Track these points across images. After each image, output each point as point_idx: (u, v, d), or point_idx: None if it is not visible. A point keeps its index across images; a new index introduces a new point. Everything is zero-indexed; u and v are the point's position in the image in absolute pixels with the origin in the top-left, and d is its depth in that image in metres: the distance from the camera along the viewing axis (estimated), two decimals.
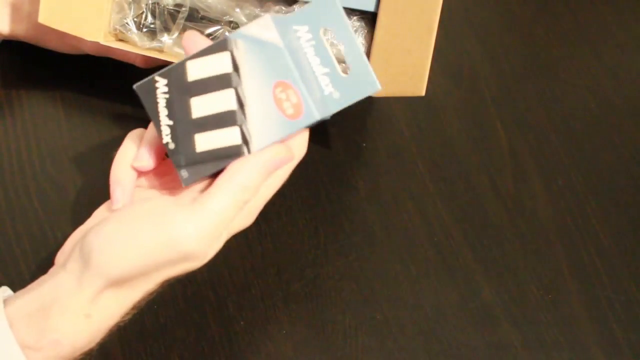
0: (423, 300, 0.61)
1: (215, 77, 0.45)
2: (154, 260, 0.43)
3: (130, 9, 0.59)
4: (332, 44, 0.59)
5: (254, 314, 0.60)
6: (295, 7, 0.59)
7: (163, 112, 0.46)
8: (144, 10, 0.60)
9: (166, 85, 0.46)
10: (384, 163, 0.65)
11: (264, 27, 0.45)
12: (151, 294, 0.46)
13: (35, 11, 0.57)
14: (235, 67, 0.45)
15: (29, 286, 0.45)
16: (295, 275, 0.61)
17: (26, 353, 0.42)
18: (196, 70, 0.45)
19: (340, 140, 0.65)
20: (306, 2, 0.57)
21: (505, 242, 0.63)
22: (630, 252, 0.64)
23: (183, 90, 0.45)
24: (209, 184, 0.45)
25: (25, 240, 0.61)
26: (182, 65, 0.45)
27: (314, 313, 0.60)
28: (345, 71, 0.46)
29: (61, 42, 0.62)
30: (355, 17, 0.60)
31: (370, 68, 0.45)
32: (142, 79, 0.46)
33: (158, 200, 0.45)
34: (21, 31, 0.62)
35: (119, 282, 0.43)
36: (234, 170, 0.44)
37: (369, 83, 0.45)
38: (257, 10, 0.60)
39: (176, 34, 0.60)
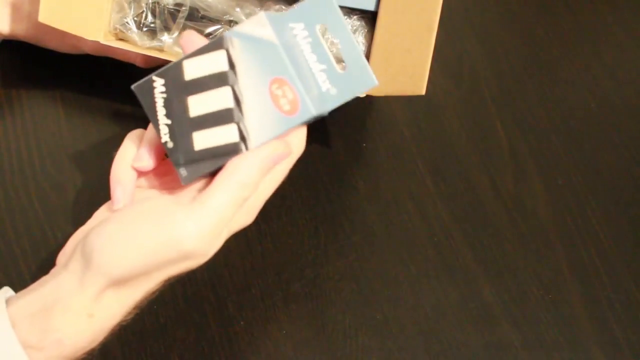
0: (423, 300, 0.61)
1: (212, 75, 0.45)
2: (155, 259, 0.43)
3: (130, 8, 0.59)
4: (332, 44, 0.59)
5: (254, 314, 0.60)
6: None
7: (161, 111, 0.46)
8: (144, 9, 0.60)
9: (164, 84, 0.46)
10: (384, 163, 0.65)
11: (259, 24, 0.45)
12: (153, 293, 0.46)
13: (35, 11, 0.57)
14: (232, 65, 0.45)
15: (31, 286, 0.45)
16: (295, 275, 0.61)
17: (28, 353, 0.42)
18: (193, 69, 0.45)
19: (340, 140, 0.65)
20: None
21: (505, 242, 0.63)
22: (630, 252, 0.64)
23: (180, 89, 0.46)
24: (208, 183, 0.45)
25: (25, 240, 0.61)
26: (179, 65, 0.46)
27: (314, 313, 0.60)
28: (343, 68, 0.46)
29: (61, 42, 0.62)
30: (355, 16, 0.60)
31: (367, 64, 0.45)
32: (142, 78, 0.46)
33: (158, 200, 0.45)
34: (21, 31, 0.62)
35: (120, 282, 0.43)
36: (233, 168, 0.44)
37: (366, 79, 0.45)
38: (258, 10, 0.60)
39: (176, 34, 0.60)
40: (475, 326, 0.60)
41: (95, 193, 0.62)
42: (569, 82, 0.69)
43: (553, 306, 0.61)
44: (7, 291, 0.46)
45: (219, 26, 0.60)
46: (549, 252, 0.63)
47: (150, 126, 0.47)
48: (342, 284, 0.61)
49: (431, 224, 0.63)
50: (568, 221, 0.64)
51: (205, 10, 0.60)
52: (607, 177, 0.66)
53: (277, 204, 0.62)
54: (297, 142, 0.47)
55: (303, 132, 0.47)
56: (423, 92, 0.54)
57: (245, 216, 0.46)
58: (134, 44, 0.60)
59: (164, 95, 0.46)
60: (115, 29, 0.60)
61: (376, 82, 0.45)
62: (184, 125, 0.46)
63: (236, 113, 0.45)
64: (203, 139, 0.45)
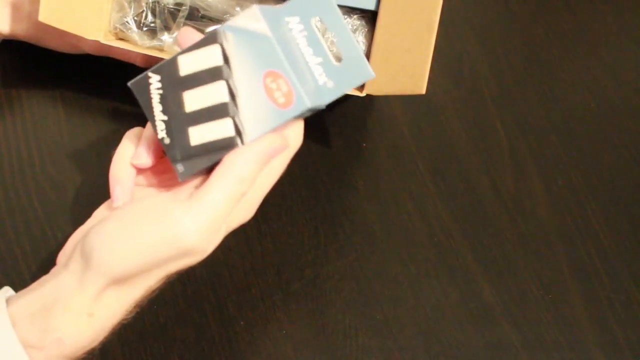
0: (423, 300, 0.61)
1: (207, 70, 0.45)
2: (155, 257, 0.43)
3: (130, 7, 0.59)
4: (332, 43, 0.59)
5: (254, 314, 0.60)
6: None
7: (157, 107, 0.46)
8: (144, 9, 0.60)
9: (159, 81, 0.46)
10: (384, 163, 0.65)
11: (252, 18, 0.45)
12: (153, 291, 0.46)
13: (35, 10, 0.57)
14: (226, 59, 0.45)
15: (31, 286, 0.45)
16: (295, 275, 0.61)
17: (29, 352, 0.42)
18: (188, 65, 0.45)
19: (340, 140, 0.65)
20: None
21: (505, 242, 0.63)
22: (630, 252, 0.64)
23: (176, 85, 0.46)
24: (206, 179, 0.45)
25: (25, 240, 0.61)
26: (174, 61, 0.46)
27: (314, 313, 0.60)
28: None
29: (61, 42, 0.62)
30: (355, 16, 0.60)
31: (362, 56, 0.45)
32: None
33: (156, 198, 0.45)
34: (21, 31, 0.62)
35: (120, 280, 0.43)
36: (229, 163, 0.44)
37: (362, 71, 0.45)
38: None
39: (176, 33, 0.60)
40: (475, 326, 0.60)
41: (95, 193, 0.62)
42: (569, 82, 0.69)
43: (553, 306, 0.61)
44: (7, 291, 0.46)
45: (219, 26, 0.59)
46: (549, 252, 0.63)
47: (149, 124, 0.47)
48: (342, 284, 0.61)
49: (431, 224, 0.63)
50: (568, 221, 0.64)
51: (205, 9, 0.60)
52: (607, 177, 0.66)
53: (277, 204, 0.62)
54: (294, 136, 0.47)
55: (300, 125, 0.47)
56: (423, 92, 0.54)
57: (244, 212, 0.46)
58: (134, 43, 0.60)
59: (160, 91, 0.46)
60: (116, 28, 0.60)
61: (373, 74, 0.45)
62: (180, 121, 0.46)
63: (231, 107, 0.45)
64: (199, 134, 0.45)
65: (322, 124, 0.65)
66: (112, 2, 0.59)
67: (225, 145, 0.45)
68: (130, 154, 0.47)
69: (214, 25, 0.60)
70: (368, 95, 0.58)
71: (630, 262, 0.63)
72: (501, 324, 0.61)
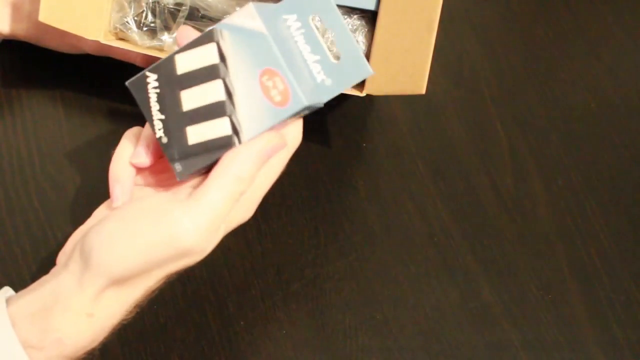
0: (423, 300, 0.61)
1: (203, 68, 0.45)
2: (154, 257, 0.43)
3: (130, 7, 0.59)
4: (332, 43, 0.59)
5: (254, 314, 0.60)
6: None
7: (155, 106, 0.46)
8: (144, 9, 0.60)
9: (157, 80, 0.46)
10: (384, 163, 0.65)
11: (248, 16, 0.45)
12: (153, 291, 0.46)
13: (35, 10, 0.57)
14: (222, 58, 0.45)
15: (31, 286, 0.45)
16: (295, 275, 0.61)
17: (29, 352, 0.42)
18: (185, 63, 0.45)
19: (340, 140, 0.65)
20: None
21: (505, 242, 0.63)
22: (630, 252, 0.64)
23: (173, 84, 0.45)
24: (204, 178, 0.45)
25: (25, 240, 0.61)
26: (171, 59, 0.46)
27: (314, 313, 0.60)
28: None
29: (61, 42, 0.62)
30: (355, 16, 0.60)
31: (361, 53, 0.45)
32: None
33: (155, 198, 0.45)
34: (21, 31, 0.62)
35: (119, 281, 0.43)
36: (227, 162, 0.44)
37: (360, 68, 0.45)
38: None
39: (176, 33, 0.60)
40: (475, 326, 0.60)
41: (95, 192, 0.62)
42: (569, 82, 0.69)
43: (553, 306, 0.61)
44: (7, 291, 0.46)
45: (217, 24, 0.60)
46: (549, 252, 0.63)
47: (148, 123, 0.47)
48: (342, 284, 0.61)
49: (431, 224, 0.63)
50: (568, 221, 0.64)
51: (205, 9, 0.60)
52: (607, 177, 0.66)
53: (277, 204, 0.63)
54: (293, 134, 0.47)
55: (299, 123, 0.47)
56: (423, 92, 0.54)
57: (243, 211, 0.46)
58: (134, 43, 0.60)
59: (157, 90, 0.46)
60: (116, 28, 0.60)
61: (371, 71, 0.45)
62: (177, 120, 0.45)
63: (228, 106, 0.45)
64: (196, 133, 0.45)
65: (322, 124, 0.65)
66: (112, 2, 0.59)
67: (222, 144, 0.45)
68: (130, 153, 0.47)
69: (213, 25, 0.60)
70: (368, 95, 0.58)
71: (630, 262, 0.63)
72: (501, 324, 0.61)
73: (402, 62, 0.55)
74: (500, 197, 0.65)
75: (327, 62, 0.45)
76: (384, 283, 0.61)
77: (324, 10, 0.45)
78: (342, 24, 0.45)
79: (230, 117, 0.44)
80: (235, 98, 0.45)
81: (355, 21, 0.60)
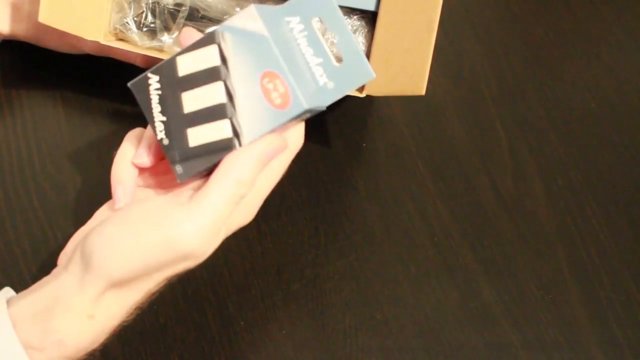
0: (423, 300, 0.61)
1: (205, 70, 0.45)
2: (155, 261, 0.43)
3: (130, 8, 0.59)
4: (332, 44, 0.59)
5: (254, 314, 0.60)
6: None
7: (156, 108, 0.46)
8: (144, 9, 0.60)
9: (158, 81, 0.46)
10: (384, 163, 0.65)
11: (249, 17, 0.44)
12: (153, 293, 0.46)
13: (35, 11, 0.57)
14: (223, 60, 0.45)
15: (32, 287, 0.45)
16: (295, 275, 0.61)
17: (29, 353, 0.42)
18: (186, 65, 0.45)
19: (340, 140, 0.65)
20: None
21: (505, 242, 0.63)
22: (630, 252, 0.64)
23: (174, 85, 0.45)
24: (206, 181, 0.45)
25: (25, 240, 0.61)
26: (172, 61, 0.46)
27: (314, 313, 0.60)
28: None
29: (61, 42, 0.62)
30: (355, 16, 0.60)
31: (363, 56, 0.45)
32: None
33: (157, 200, 0.45)
34: (21, 31, 0.62)
35: (120, 284, 0.43)
36: (228, 165, 0.44)
37: (363, 72, 0.45)
38: None
39: (176, 34, 0.60)
40: (475, 326, 0.60)
41: (96, 193, 0.62)
42: (569, 82, 0.69)
43: (553, 306, 0.61)
44: (8, 291, 0.46)
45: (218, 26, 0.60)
46: (549, 252, 0.63)
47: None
48: (342, 284, 0.61)
49: (431, 224, 0.63)
50: (568, 221, 0.64)
51: (205, 10, 0.60)
52: (607, 177, 0.66)
53: (277, 204, 0.63)
54: (294, 137, 0.47)
55: (300, 126, 0.47)
56: (423, 92, 0.54)
57: (244, 214, 0.46)
58: (134, 44, 0.60)
59: (159, 92, 0.46)
60: (115, 29, 0.60)
61: (374, 74, 0.45)
62: (178, 122, 0.45)
63: (229, 108, 0.45)
64: (197, 136, 0.45)
65: (322, 124, 0.65)
66: (112, 2, 0.59)
67: (223, 147, 0.45)
68: (132, 154, 0.47)
69: (213, 25, 0.60)
70: (368, 96, 0.58)
71: (630, 262, 0.63)
72: (501, 324, 0.61)
73: (402, 63, 0.55)
74: (500, 197, 0.65)
75: (329, 65, 0.45)
76: (384, 283, 0.61)
77: (327, 13, 0.45)
78: (345, 27, 0.45)
79: (230, 119, 0.44)
80: (236, 100, 0.45)
81: (355, 22, 0.60)
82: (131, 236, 0.43)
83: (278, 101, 0.44)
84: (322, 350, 0.59)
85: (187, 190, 0.46)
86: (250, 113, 0.45)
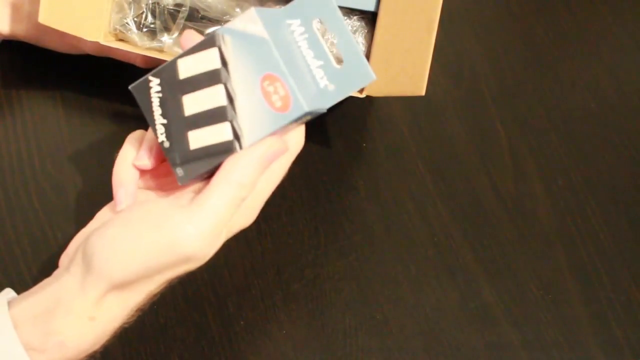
0: (423, 300, 0.61)
1: (205, 73, 0.45)
2: (156, 263, 0.43)
3: (130, 8, 0.59)
4: (332, 44, 0.59)
5: (254, 314, 0.60)
6: None
7: (157, 111, 0.46)
8: (144, 10, 0.60)
9: (159, 84, 0.46)
10: (384, 163, 0.65)
11: (249, 20, 0.44)
12: (154, 295, 0.46)
13: (35, 11, 0.57)
14: (224, 63, 0.45)
15: (33, 288, 0.45)
16: (295, 275, 0.61)
17: (31, 355, 0.42)
18: (187, 68, 0.45)
19: (340, 140, 0.65)
20: None
21: (505, 242, 0.63)
22: (630, 252, 0.64)
23: (175, 88, 0.45)
24: (207, 183, 0.45)
25: (25, 241, 0.61)
26: (173, 64, 0.46)
27: (314, 313, 0.60)
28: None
29: (61, 42, 0.62)
30: (355, 17, 0.60)
31: (364, 58, 0.45)
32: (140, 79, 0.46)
33: (158, 203, 0.45)
34: (21, 31, 0.62)
35: (121, 286, 0.43)
36: (229, 168, 0.44)
37: (364, 74, 0.45)
38: None
39: (176, 34, 0.60)
40: (475, 326, 0.61)
41: (96, 193, 0.62)
42: (569, 82, 0.69)
43: (553, 306, 0.61)
44: (9, 292, 0.46)
45: (218, 27, 0.59)
46: (549, 252, 0.63)
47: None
48: (342, 284, 0.61)
49: (431, 224, 0.63)
50: (568, 221, 0.64)
51: (205, 10, 0.60)
52: (607, 177, 0.66)
53: (277, 204, 0.62)
54: (295, 139, 0.47)
55: (301, 129, 0.47)
56: (423, 93, 0.54)
57: (245, 217, 0.46)
58: (134, 44, 0.60)
59: (160, 94, 0.46)
60: (115, 29, 0.60)
61: (374, 76, 0.45)
62: (179, 125, 0.45)
63: (229, 111, 0.45)
64: (198, 138, 0.45)
65: (322, 125, 0.65)
66: (112, 3, 0.59)
67: (223, 150, 0.45)
68: (133, 156, 0.47)
69: (213, 26, 0.60)
70: (368, 96, 0.58)
71: (630, 262, 0.63)
72: (501, 324, 0.61)
73: (402, 63, 0.55)
74: (500, 197, 0.65)
75: (330, 67, 0.45)
76: (384, 283, 0.61)
77: (328, 15, 0.45)
78: (346, 29, 0.45)
79: (231, 122, 0.44)
80: (237, 103, 0.45)
81: (355, 22, 0.60)
82: (132, 238, 0.43)
83: (278, 104, 0.44)
84: (322, 350, 0.59)
85: (188, 192, 0.46)
86: (251, 116, 0.45)
